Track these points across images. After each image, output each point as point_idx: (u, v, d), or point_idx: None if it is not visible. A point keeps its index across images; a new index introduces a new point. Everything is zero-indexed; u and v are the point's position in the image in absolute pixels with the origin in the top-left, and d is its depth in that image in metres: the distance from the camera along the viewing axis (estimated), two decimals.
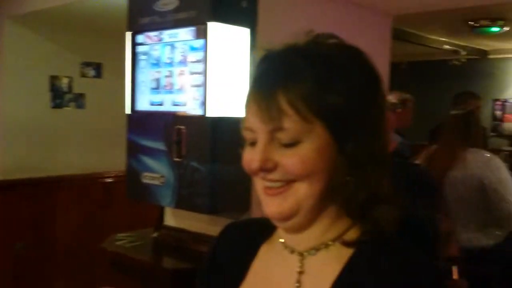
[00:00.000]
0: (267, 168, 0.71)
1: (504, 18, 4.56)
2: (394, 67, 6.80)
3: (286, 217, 0.73)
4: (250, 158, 0.73)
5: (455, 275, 1.69)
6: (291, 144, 0.70)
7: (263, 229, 0.83)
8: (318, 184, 0.71)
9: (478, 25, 4.68)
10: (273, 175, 0.72)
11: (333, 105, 0.70)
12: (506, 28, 4.70)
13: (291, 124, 0.69)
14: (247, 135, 0.74)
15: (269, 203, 0.73)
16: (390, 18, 3.18)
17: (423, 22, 4.81)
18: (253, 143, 0.73)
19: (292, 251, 0.78)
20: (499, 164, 2.58)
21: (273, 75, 0.72)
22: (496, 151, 3.89)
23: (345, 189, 0.72)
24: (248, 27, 2.26)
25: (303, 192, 0.71)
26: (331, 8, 2.70)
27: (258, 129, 0.71)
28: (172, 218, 2.56)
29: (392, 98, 3.33)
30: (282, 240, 0.80)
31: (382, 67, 3.19)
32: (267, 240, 0.84)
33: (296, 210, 0.72)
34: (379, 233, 0.73)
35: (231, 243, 0.89)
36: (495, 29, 4.71)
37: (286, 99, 0.69)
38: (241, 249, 0.86)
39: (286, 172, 0.71)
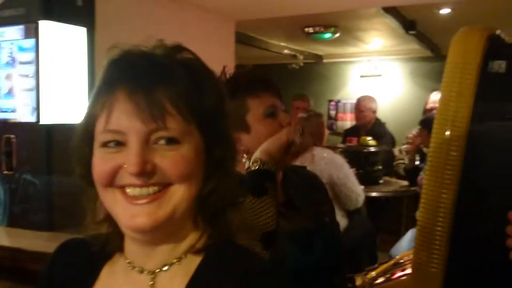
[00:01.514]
0: (146, 171, 0.65)
1: (336, 25, 5.00)
2: (240, 69, 7.09)
3: (158, 227, 0.68)
4: (112, 165, 0.66)
5: None
6: (172, 145, 0.66)
7: (104, 247, 0.76)
8: (193, 188, 0.69)
9: (312, 31, 5.06)
10: (152, 179, 0.66)
11: (206, 108, 0.70)
12: (337, 35, 5.15)
13: (174, 124, 0.66)
14: (107, 137, 0.66)
15: (136, 214, 0.66)
16: (233, 22, 3.26)
17: (264, 27, 5.05)
18: (112, 147, 0.66)
19: (142, 271, 0.72)
20: (341, 160, 2.89)
21: (151, 72, 0.67)
22: (332, 148, 4.25)
23: (210, 195, 0.70)
24: (85, 26, 2.13)
25: (179, 196, 0.68)
26: (174, 10, 2.67)
27: (131, 130, 0.65)
28: (5, 238, 2.31)
29: None
30: (128, 261, 0.74)
31: (228, 69, 3.29)
32: (109, 261, 0.77)
33: (171, 218, 0.68)
34: (226, 238, 0.73)
35: (68, 264, 0.80)
36: (327, 35, 5.13)
37: (167, 97, 0.66)
38: (80, 271, 0.78)
39: (165, 175, 0.66)
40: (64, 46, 2.05)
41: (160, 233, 0.69)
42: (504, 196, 1.63)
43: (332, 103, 7.38)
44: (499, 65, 1.75)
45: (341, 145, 4.24)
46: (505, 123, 1.68)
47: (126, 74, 0.68)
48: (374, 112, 4.42)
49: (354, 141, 4.00)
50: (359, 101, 4.50)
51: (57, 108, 1.98)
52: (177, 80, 0.68)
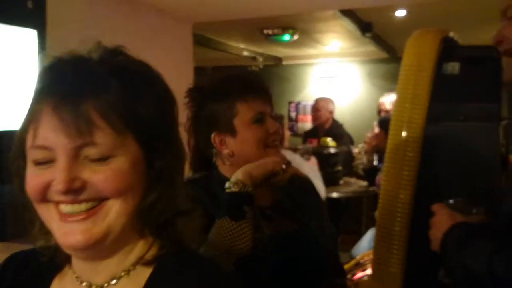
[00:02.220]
0: (74, 188, 0.62)
1: (294, 27, 5.03)
2: (200, 71, 7.05)
3: (94, 245, 0.65)
4: (42, 181, 0.63)
5: None
6: (103, 160, 0.63)
7: (53, 260, 0.73)
8: (131, 202, 0.66)
9: (271, 33, 5.08)
10: (82, 196, 0.63)
11: (143, 117, 0.66)
12: (296, 37, 5.19)
13: (103, 138, 0.63)
14: (36, 154, 0.64)
15: (70, 232, 0.64)
16: (190, 24, 3.23)
17: (223, 29, 5.03)
18: (42, 163, 0.63)
19: (90, 286, 0.70)
20: (301, 160, 3.03)
21: (78, 83, 0.64)
22: (293, 149, 4.28)
23: (153, 207, 0.68)
24: (35, 29, 2.06)
25: (116, 210, 0.65)
26: (128, 12, 2.62)
27: (58, 146, 0.62)
28: None
29: None
30: (76, 275, 0.71)
31: (187, 71, 3.26)
32: (59, 273, 0.75)
33: (107, 234, 0.65)
34: (179, 247, 0.71)
35: (16, 278, 0.77)
36: (286, 37, 5.16)
37: (96, 110, 0.62)
38: (29, 283, 0.75)
39: (98, 190, 0.64)
40: (14, 49, 1.97)
41: (100, 249, 0.67)
42: (456, 195, 1.67)
43: (292, 104, 7.42)
44: (453, 67, 1.80)
45: (301, 147, 4.27)
46: (459, 123, 1.73)
47: (53, 85, 0.65)
48: (331, 112, 4.49)
49: (314, 143, 4.04)
50: (316, 101, 4.58)
51: (7, 114, 1.90)
52: (109, 89, 0.64)
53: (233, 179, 1.15)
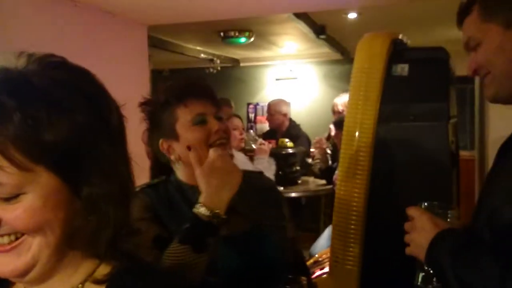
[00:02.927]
0: None
1: (250, 30, 5.05)
2: (157, 74, 6.96)
3: (22, 275, 0.64)
4: None
5: None
6: (13, 198, 0.60)
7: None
8: (53, 234, 0.63)
9: (228, 36, 5.08)
10: (1, 230, 0.61)
11: (54, 145, 0.60)
12: (252, 39, 5.21)
13: (7, 178, 0.59)
14: None
15: None
16: (145, 27, 3.19)
17: (180, 32, 4.99)
18: None
19: None
20: (244, 159, 3.10)
21: None
22: (251, 151, 4.30)
23: (86, 231, 0.65)
24: None
25: (37, 244, 0.62)
26: (79, 15, 2.55)
27: None
28: None
29: None
30: None
31: (142, 74, 3.22)
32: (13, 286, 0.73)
33: (33, 265, 0.63)
34: (133, 263, 0.70)
35: None
36: (243, 39, 5.17)
37: None
38: None
39: (12, 227, 0.61)
40: None
41: (33, 276, 0.65)
42: (409, 193, 1.73)
43: (251, 106, 7.45)
44: (402, 68, 1.86)
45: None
46: (410, 123, 1.79)
47: None
48: (285, 115, 4.53)
49: (272, 144, 4.07)
50: (270, 105, 4.62)
51: None
52: (10, 121, 0.58)
53: (203, 199, 1.15)
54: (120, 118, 0.70)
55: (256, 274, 1.27)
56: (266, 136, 4.70)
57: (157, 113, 1.32)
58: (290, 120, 4.64)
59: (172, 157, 1.31)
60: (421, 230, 1.08)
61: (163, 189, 1.33)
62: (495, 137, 1.85)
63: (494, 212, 1.03)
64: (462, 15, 1.19)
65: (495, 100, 1.18)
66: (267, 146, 3.43)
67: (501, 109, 1.83)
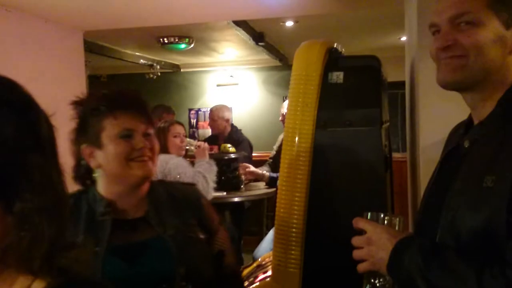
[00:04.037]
0: None
1: (190, 36, 5.04)
2: (95, 79, 6.78)
3: None
4: None
5: None
6: None
7: None
8: None
9: (167, 41, 5.04)
10: None
11: None
12: (192, 45, 5.19)
13: None
14: None
15: None
16: (81, 33, 3.11)
17: (118, 37, 4.89)
18: None
19: None
20: (185, 164, 3.14)
21: None
22: (194, 156, 4.28)
23: (20, 247, 0.64)
24: None
25: None
26: (11, 21, 2.46)
27: None
28: None
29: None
30: None
31: (79, 80, 3.14)
32: None
33: None
34: (67, 280, 0.69)
35: None
36: (183, 45, 5.14)
37: None
38: None
39: None
40: None
41: None
42: (346, 195, 1.80)
43: (193, 111, 7.42)
44: (338, 76, 1.93)
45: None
46: (345, 129, 1.86)
47: None
48: (227, 120, 4.56)
49: (215, 149, 4.07)
50: (211, 111, 4.62)
51: None
52: None
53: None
54: (50, 129, 0.69)
55: (143, 285, 1.29)
56: (208, 141, 4.70)
57: (86, 117, 1.34)
58: (232, 125, 4.67)
59: (92, 164, 1.34)
60: (378, 243, 1.04)
61: (77, 201, 1.35)
62: (425, 139, 1.95)
63: (455, 219, 1.01)
64: None
65: (449, 85, 1.09)
66: (204, 145, 3.45)
67: (430, 113, 1.95)
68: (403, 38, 4.16)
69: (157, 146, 1.39)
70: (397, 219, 1.11)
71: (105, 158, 1.32)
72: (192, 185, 1.61)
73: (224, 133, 4.51)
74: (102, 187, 1.36)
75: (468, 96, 1.11)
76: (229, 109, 4.74)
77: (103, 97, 1.37)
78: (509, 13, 1.04)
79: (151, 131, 1.39)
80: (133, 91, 1.47)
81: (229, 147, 3.99)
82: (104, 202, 1.34)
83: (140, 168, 1.32)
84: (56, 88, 2.54)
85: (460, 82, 1.07)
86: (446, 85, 1.09)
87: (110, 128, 1.31)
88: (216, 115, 4.55)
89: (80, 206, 1.34)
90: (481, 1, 1.04)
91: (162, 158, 3.13)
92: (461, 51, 1.04)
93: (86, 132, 1.34)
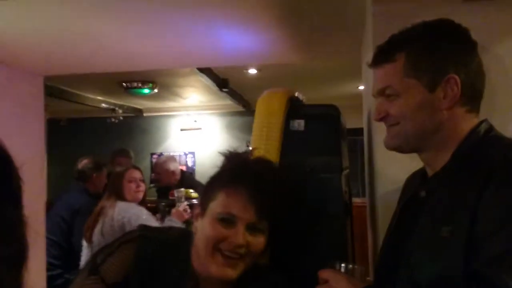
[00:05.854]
0: None
1: (154, 81, 5.07)
2: (54, 123, 6.66)
3: None
4: None
5: None
6: None
7: None
8: None
9: (130, 86, 5.04)
10: None
11: None
12: (156, 90, 5.22)
13: None
14: None
15: None
16: (41, 77, 3.07)
17: (79, 81, 4.86)
18: None
19: None
20: (139, 212, 3.10)
21: None
22: (154, 202, 4.21)
23: None
24: None
25: None
26: None
27: None
28: None
29: (86, 163, 3.82)
30: None
31: (38, 124, 3.07)
32: None
33: None
34: None
35: None
36: (146, 90, 5.16)
37: None
38: None
39: None
40: None
41: None
42: (307, 239, 1.80)
43: (155, 156, 7.35)
44: (299, 124, 1.97)
45: (165, 200, 4.21)
46: (306, 175, 1.89)
47: None
48: (173, 172, 4.55)
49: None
50: (155, 164, 4.65)
51: None
52: None
53: None
54: (18, 180, 0.68)
55: None
56: (160, 194, 4.63)
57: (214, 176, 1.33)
58: (183, 172, 4.66)
59: (194, 226, 1.25)
60: None
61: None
62: (382, 185, 1.99)
63: (414, 270, 1.03)
64: (382, 58, 1.14)
65: (393, 149, 1.17)
66: (187, 214, 3.39)
67: (387, 159, 2.00)
68: (361, 87, 4.31)
69: (259, 247, 1.21)
70: (359, 268, 1.14)
71: (199, 230, 1.21)
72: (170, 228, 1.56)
73: (171, 184, 4.47)
74: (194, 254, 1.22)
75: (421, 156, 1.17)
76: (175, 160, 4.77)
77: (234, 164, 1.30)
78: (428, 76, 1.09)
79: (263, 226, 1.22)
80: (265, 161, 1.34)
81: (191, 192, 3.95)
82: (193, 278, 1.18)
83: (220, 265, 1.15)
84: (15, 135, 2.48)
85: (401, 147, 1.16)
86: (391, 149, 1.19)
87: (216, 203, 1.20)
88: (159, 169, 4.59)
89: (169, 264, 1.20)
90: (398, 74, 1.11)
91: (120, 206, 3.09)
92: (393, 120, 1.13)
93: (205, 192, 1.26)
